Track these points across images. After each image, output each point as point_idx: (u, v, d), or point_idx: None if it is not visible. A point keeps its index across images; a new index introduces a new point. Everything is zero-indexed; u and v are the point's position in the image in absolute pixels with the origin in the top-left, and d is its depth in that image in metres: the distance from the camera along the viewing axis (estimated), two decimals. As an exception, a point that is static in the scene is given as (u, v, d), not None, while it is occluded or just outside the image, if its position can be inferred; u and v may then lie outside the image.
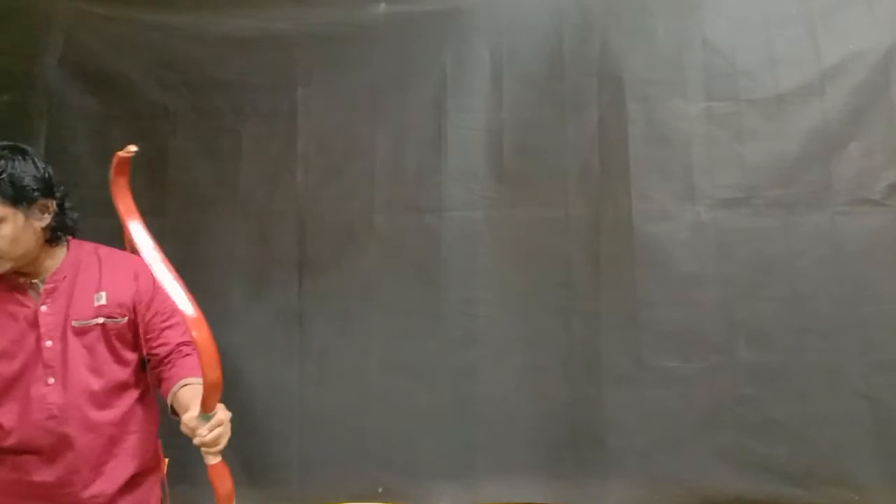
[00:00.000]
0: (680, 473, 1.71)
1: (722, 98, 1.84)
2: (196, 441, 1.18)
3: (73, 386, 1.29)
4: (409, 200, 1.87)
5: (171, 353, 1.36)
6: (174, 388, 1.31)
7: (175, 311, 1.28)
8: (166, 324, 1.36)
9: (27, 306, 1.29)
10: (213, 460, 1.22)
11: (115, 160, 1.21)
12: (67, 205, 1.32)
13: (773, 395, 1.71)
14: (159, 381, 1.36)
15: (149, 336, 1.36)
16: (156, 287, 1.34)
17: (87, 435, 1.30)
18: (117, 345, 1.35)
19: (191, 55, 1.94)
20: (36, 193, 1.25)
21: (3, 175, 1.24)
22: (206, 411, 1.19)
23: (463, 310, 1.82)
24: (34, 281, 1.30)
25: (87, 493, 1.30)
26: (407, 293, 1.84)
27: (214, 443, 1.19)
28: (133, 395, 1.38)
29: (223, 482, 1.23)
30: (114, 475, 1.33)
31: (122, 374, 1.36)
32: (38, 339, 1.28)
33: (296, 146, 1.91)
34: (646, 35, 1.89)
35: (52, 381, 1.28)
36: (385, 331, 1.82)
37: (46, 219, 1.28)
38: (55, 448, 1.28)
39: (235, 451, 1.76)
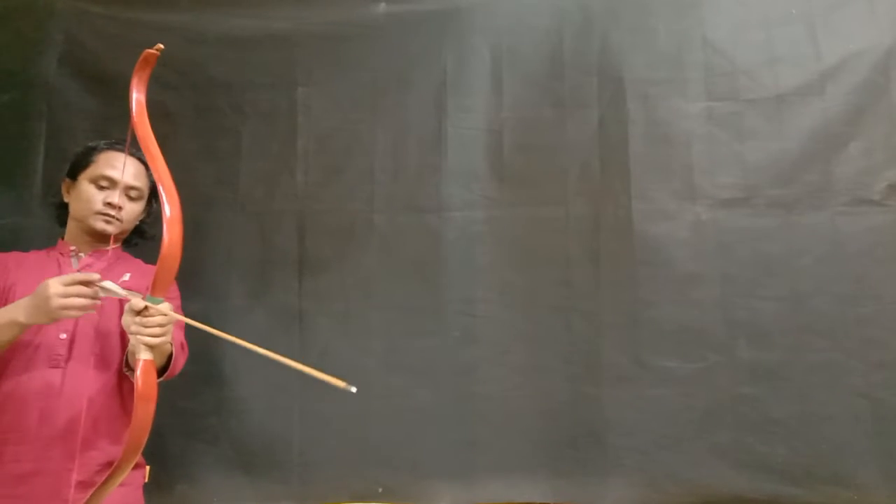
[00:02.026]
0: (679, 472, 1.71)
1: (722, 97, 1.84)
2: (136, 321, 1.21)
3: (79, 342, 1.39)
4: (410, 200, 1.87)
5: None
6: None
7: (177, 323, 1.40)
8: None
9: (65, 270, 1.46)
10: (146, 355, 1.21)
11: (142, 55, 1.33)
12: (147, 222, 1.61)
13: (773, 394, 1.71)
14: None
15: None
16: (170, 297, 1.42)
17: (78, 391, 1.35)
18: None
19: (191, 55, 1.94)
20: (156, 196, 1.53)
21: None
22: (153, 293, 1.22)
23: (463, 309, 1.82)
24: (81, 254, 1.50)
25: (60, 467, 1.33)
26: (407, 292, 1.84)
27: (153, 328, 1.22)
28: (130, 380, 1.41)
29: (149, 381, 1.20)
30: (91, 455, 1.36)
31: (123, 351, 1.42)
32: None
33: (296, 146, 1.91)
34: (646, 34, 1.89)
35: (63, 336, 1.39)
36: (385, 330, 1.82)
37: (142, 216, 1.59)
38: (45, 399, 1.34)
39: (236, 451, 1.79)
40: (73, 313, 1.26)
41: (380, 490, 1.75)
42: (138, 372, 1.21)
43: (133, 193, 1.53)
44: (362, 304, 1.83)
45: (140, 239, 1.62)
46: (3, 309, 1.31)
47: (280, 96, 1.94)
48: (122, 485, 1.38)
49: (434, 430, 1.77)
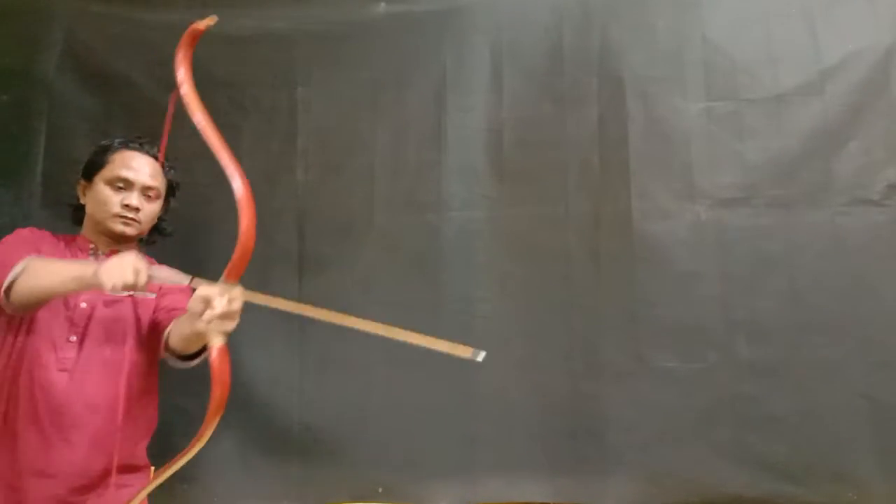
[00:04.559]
0: (679, 470, 1.71)
1: (722, 96, 1.84)
2: (208, 313, 1.14)
3: (89, 346, 1.38)
4: (410, 198, 1.88)
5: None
6: (171, 325, 1.38)
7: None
8: (177, 304, 1.43)
9: None
10: (221, 341, 1.18)
11: (188, 30, 1.30)
12: (165, 219, 1.59)
13: (772, 392, 1.71)
14: (160, 336, 1.41)
15: (161, 306, 1.46)
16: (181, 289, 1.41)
17: (86, 397, 1.36)
18: (142, 320, 1.45)
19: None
20: (173, 193, 1.58)
21: (173, 167, 1.58)
22: (228, 279, 1.18)
23: (463, 307, 1.82)
24: (100, 251, 1.48)
25: (68, 469, 1.34)
26: (407, 290, 1.84)
27: (231, 314, 1.16)
28: (141, 382, 1.44)
29: (224, 366, 1.19)
30: (98, 456, 1.37)
31: (136, 353, 1.43)
32: (75, 299, 1.40)
33: (296, 144, 1.92)
34: (646, 32, 1.89)
35: (73, 338, 1.38)
36: (385, 329, 1.83)
37: (160, 214, 1.56)
38: (52, 398, 1.34)
39: (236, 451, 1.78)
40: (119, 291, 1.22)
41: (380, 490, 1.75)
42: (214, 356, 1.17)
43: (151, 193, 1.51)
44: (362, 303, 1.82)
45: (160, 237, 1.60)
46: (73, 263, 1.33)
47: (280, 95, 1.94)
48: (125, 486, 1.40)
49: (434, 428, 1.77)
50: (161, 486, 1.66)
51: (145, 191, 1.50)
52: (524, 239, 1.84)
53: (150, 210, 1.51)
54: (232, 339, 1.80)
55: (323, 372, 1.82)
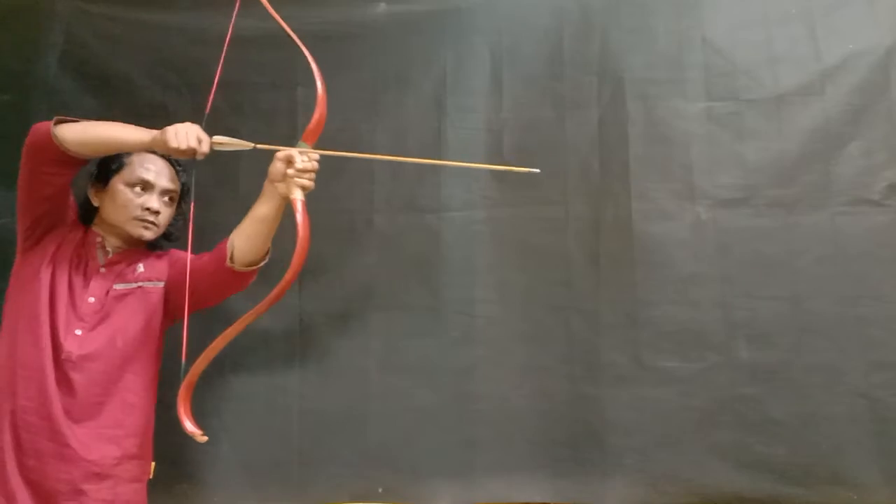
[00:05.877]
0: (679, 472, 1.71)
1: (722, 97, 1.84)
2: (291, 169, 1.35)
3: (95, 339, 1.40)
4: (409, 200, 1.88)
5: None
6: (233, 235, 1.47)
7: None
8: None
9: (90, 263, 1.45)
10: (300, 195, 1.37)
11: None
12: (175, 225, 1.58)
13: (773, 394, 1.71)
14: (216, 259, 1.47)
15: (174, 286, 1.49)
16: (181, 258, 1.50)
17: (93, 389, 1.38)
18: (153, 308, 1.47)
19: (191, 55, 1.94)
20: (184, 197, 1.59)
21: (185, 169, 1.58)
22: (306, 140, 1.37)
23: (463, 309, 1.82)
24: (108, 248, 1.48)
25: (73, 453, 1.36)
26: (407, 292, 1.84)
27: (310, 170, 1.37)
28: (145, 375, 1.46)
29: (305, 220, 1.36)
30: (108, 446, 1.39)
31: (142, 347, 1.45)
32: (84, 292, 1.42)
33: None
34: (646, 34, 1.90)
35: (79, 332, 1.39)
36: (385, 330, 1.83)
37: (171, 217, 1.55)
38: (61, 389, 1.36)
39: (236, 451, 1.79)
40: (181, 152, 1.33)
41: (380, 490, 1.76)
42: (298, 208, 1.37)
43: (169, 197, 1.52)
44: (362, 304, 1.83)
45: (166, 242, 1.59)
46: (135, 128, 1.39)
47: (280, 96, 1.94)
48: (136, 479, 1.44)
49: (434, 430, 1.77)
50: (161, 485, 1.68)
51: (164, 194, 1.50)
52: (524, 240, 1.84)
53: (168, 214, 1.52)
54: (233, 343, 1.81)
55: (323, 372, 1.82)
